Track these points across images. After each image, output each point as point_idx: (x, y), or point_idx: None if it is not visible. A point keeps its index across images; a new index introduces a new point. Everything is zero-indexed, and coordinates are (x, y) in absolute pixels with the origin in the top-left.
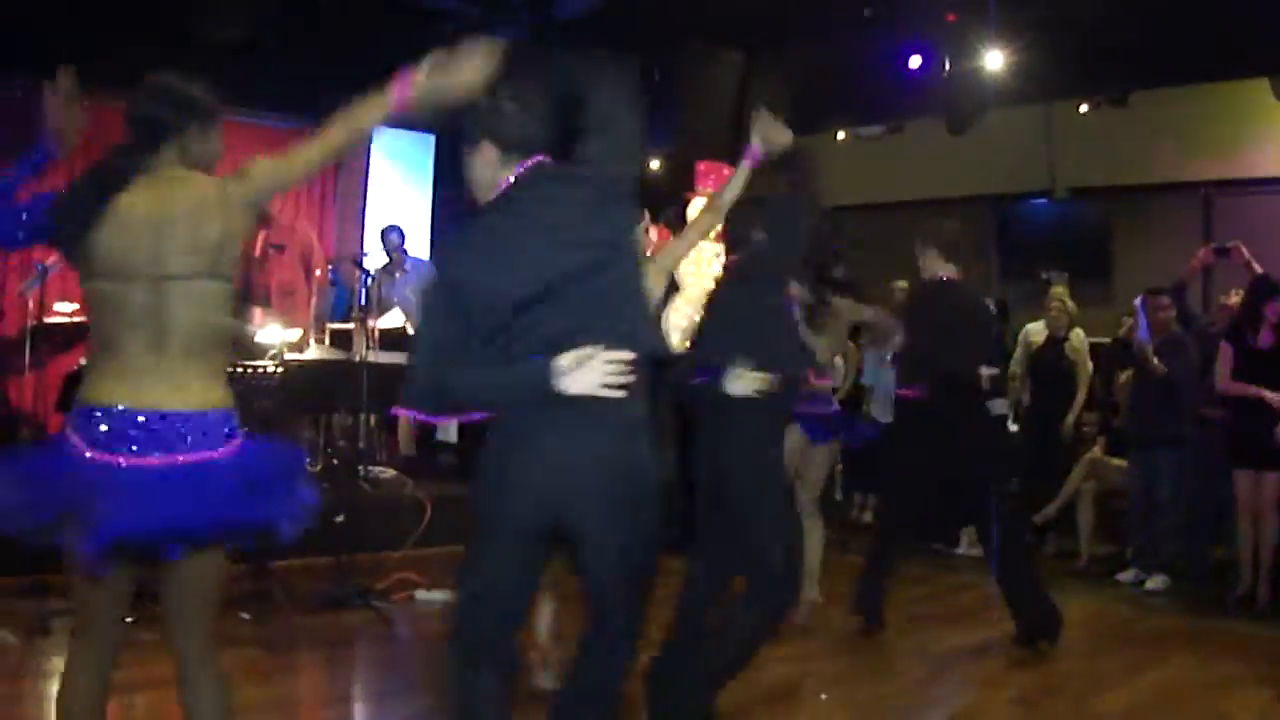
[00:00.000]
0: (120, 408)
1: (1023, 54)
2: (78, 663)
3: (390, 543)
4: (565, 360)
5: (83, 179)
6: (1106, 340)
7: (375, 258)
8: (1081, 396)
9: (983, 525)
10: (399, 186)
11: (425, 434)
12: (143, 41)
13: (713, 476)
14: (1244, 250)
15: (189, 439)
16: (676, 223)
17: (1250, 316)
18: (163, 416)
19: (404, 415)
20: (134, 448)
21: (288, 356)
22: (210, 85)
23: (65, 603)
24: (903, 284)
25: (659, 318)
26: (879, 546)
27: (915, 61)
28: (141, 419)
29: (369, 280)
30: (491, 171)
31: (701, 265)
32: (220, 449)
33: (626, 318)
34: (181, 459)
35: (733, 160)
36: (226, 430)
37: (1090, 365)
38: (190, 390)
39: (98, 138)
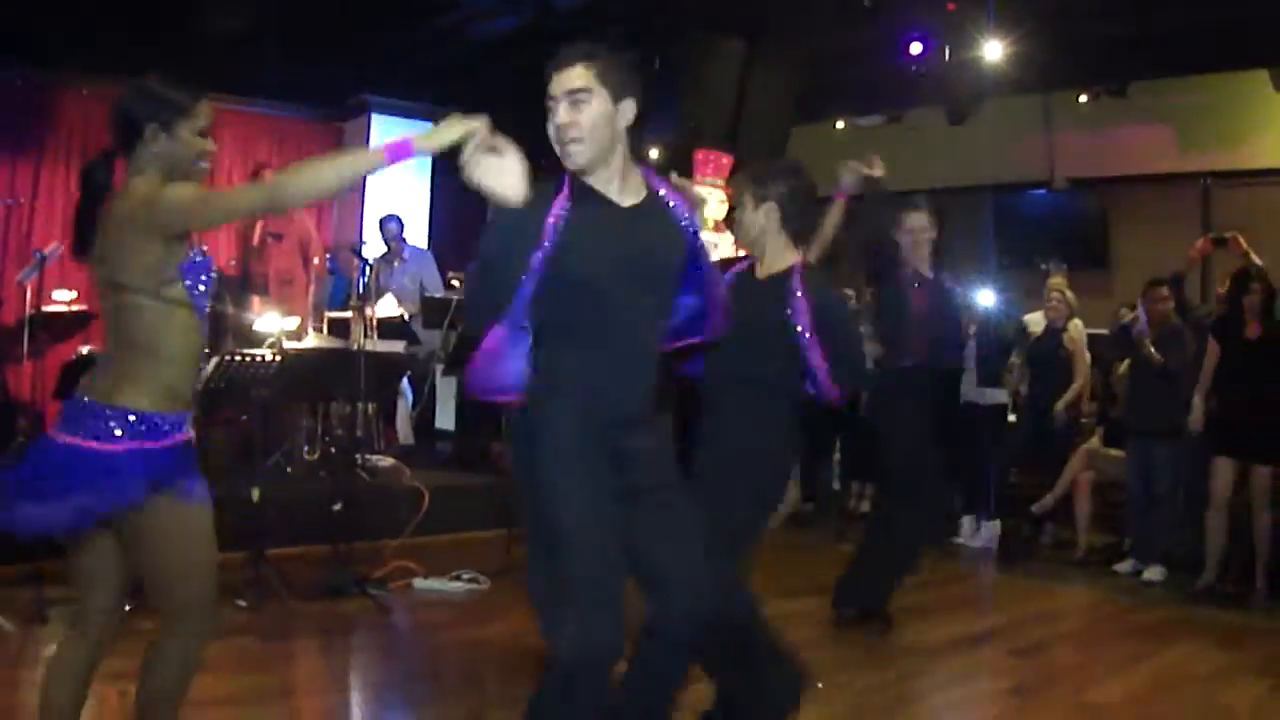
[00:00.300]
0: (78, 394)
1: (1022, 44)
2: (64, 648)
3: (388, 531)
4: None
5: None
6: (1104, 331)
7: (373, 246)
8: (1078, 386)
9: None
10: (397, 175)
11: (424, 423)
12: (143, 32)
13: None
14: (1242, 240)
15: (83, 427)
16: None
17: (1234, 310)
18: (79, 403)
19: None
20: (64, 426)
21: (286, 345)
22: (192, 83)
23: (63, 590)
24: None
25: None
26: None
27: (916, 48)
28: (77, 402)
29: (367, 269)
30: None
31: None
32: (88, 440)
33: None
34: (70, 440)
35: (732, 149)
36: (104, 425)
37: (1088, 356)
38: (101, 386)
39: (101, 126)
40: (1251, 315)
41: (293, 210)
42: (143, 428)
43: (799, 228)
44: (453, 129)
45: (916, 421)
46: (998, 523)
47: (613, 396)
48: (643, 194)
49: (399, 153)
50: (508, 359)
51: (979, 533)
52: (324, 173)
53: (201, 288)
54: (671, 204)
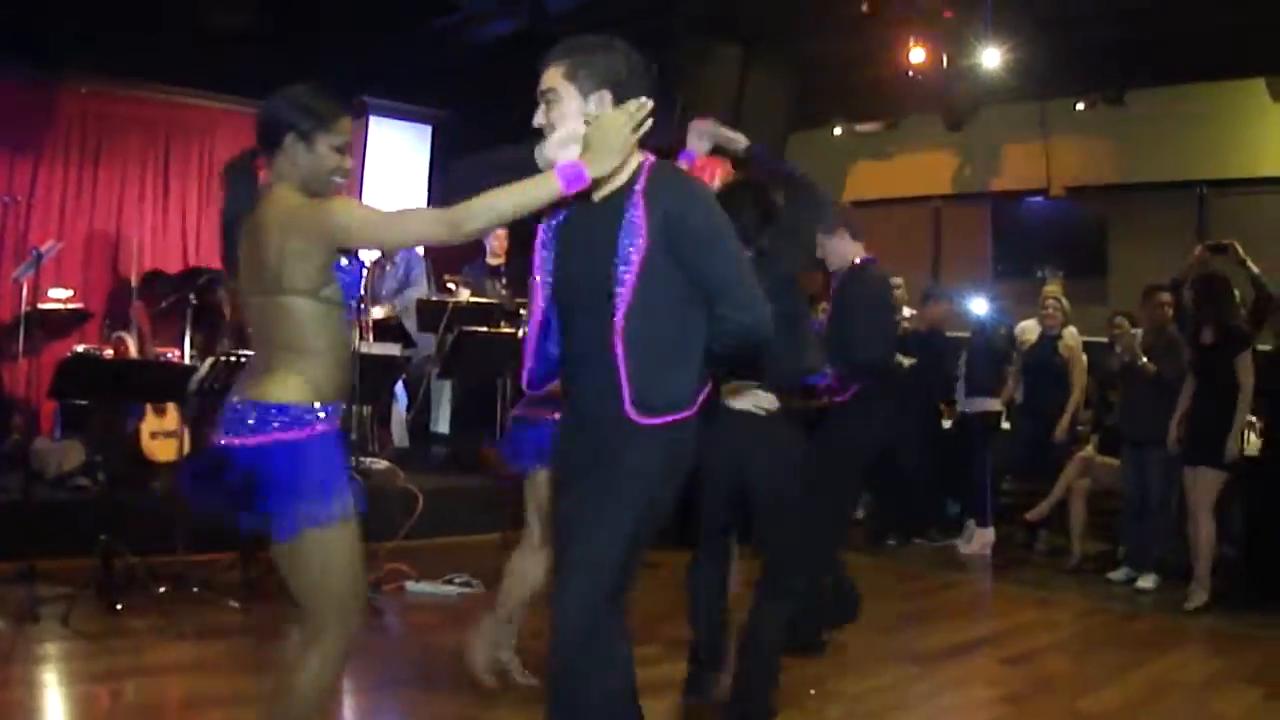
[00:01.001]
0: (231, 395)
1: (1020, 51)
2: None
3: (382, 534)
4: None
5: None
6: (1102, 339)
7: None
8: (1076, 397)
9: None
10: (395, 176)
11: (418, 426)
12: (143, 30)
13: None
14: (1239, 248)
15: (230, 426)
16: None
17: (1196, 315)
18: (230, 406)
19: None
20: (222, 429)
21: None
22: (339, 98)
23: (55, 589)
24: (897, 280)
25: None
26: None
27: (917, 54)
28: (229, 405)
29: (363, 271)
30: None
31: None
32: (243, 438)
33: None
34: (224, 442)
35: (729, 154)
36: (251, 421)
37: (1085, 361)
38: (250, 384)
39: (99, 124)
40: (1207, 320)
41: None
42: (285, 419)
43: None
44: (616, 137)
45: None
46: (990, 530)
47: (577, 394)
48: (615, 187)
49: (574, 181)
50: (543, 345)
51: (972, 539)
52: (502, 202)
53: (351, 288)
54: (636, 201)
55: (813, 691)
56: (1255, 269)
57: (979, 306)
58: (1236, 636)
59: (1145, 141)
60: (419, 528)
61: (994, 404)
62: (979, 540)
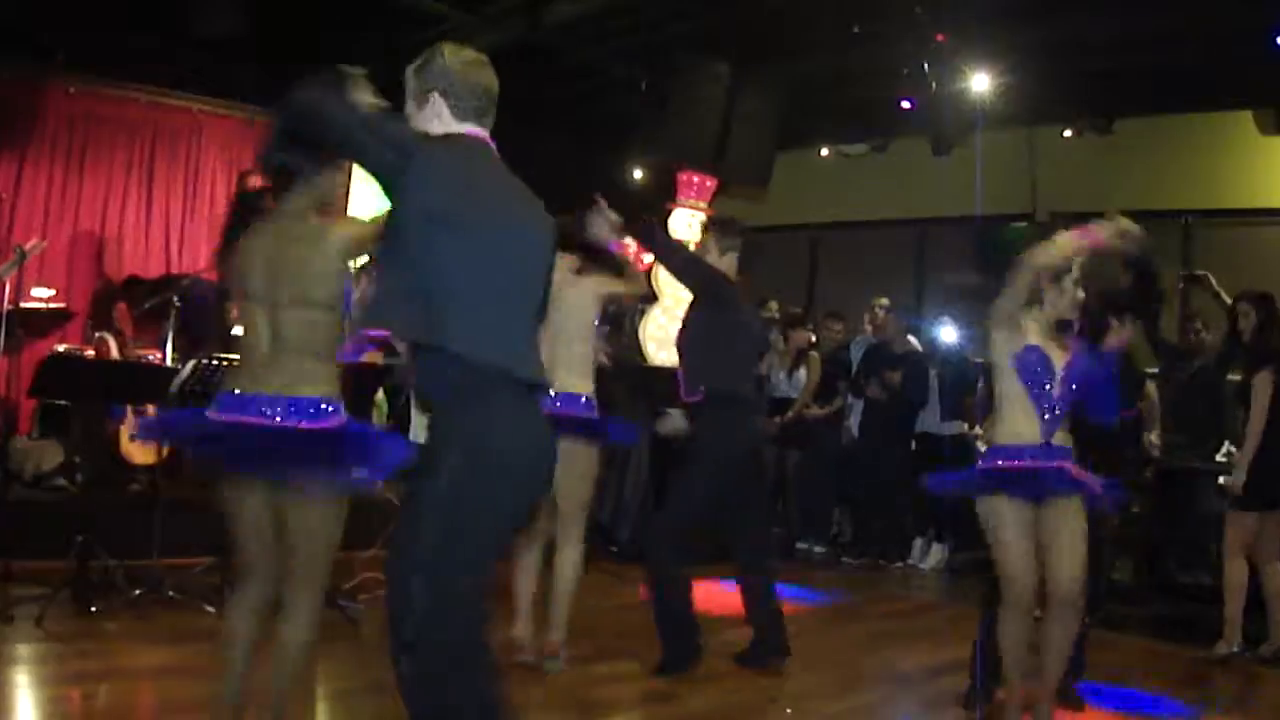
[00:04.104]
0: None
1: (1009, 78)
2: (238, 606)
3: (358, 543)
4: None
5: None
6: None
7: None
8: None
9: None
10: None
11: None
12: (129, 31)
13: None
14: (1212, 280)
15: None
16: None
17: None
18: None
19: None
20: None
21: None
22: None
23: (29, 590)
24: (884, 301)
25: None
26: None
27: (907, 106)
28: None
29: (352, 279)
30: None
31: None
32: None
33: None
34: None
35: (716, 172)
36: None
37: None
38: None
39: (85, 124)
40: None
41: None
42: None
43: None
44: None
45: None
46: (945, 546)
47: None
48: None
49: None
50: None
51: (928, 556)
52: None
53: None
54: None
55: (789, 710)
56: (1229, 300)
57: (948, 334)
58: (1211, 663)
59: (1131, 171)
60: None
61: (965, 427)
62: (935, 555)
